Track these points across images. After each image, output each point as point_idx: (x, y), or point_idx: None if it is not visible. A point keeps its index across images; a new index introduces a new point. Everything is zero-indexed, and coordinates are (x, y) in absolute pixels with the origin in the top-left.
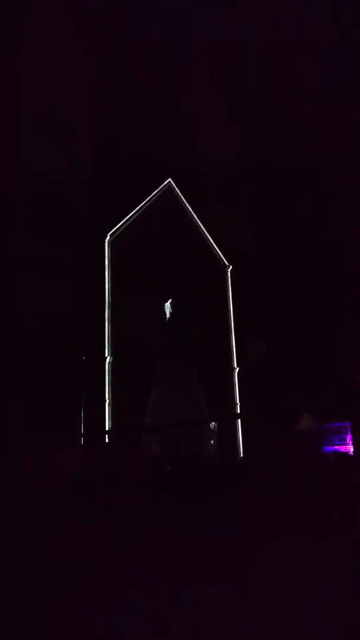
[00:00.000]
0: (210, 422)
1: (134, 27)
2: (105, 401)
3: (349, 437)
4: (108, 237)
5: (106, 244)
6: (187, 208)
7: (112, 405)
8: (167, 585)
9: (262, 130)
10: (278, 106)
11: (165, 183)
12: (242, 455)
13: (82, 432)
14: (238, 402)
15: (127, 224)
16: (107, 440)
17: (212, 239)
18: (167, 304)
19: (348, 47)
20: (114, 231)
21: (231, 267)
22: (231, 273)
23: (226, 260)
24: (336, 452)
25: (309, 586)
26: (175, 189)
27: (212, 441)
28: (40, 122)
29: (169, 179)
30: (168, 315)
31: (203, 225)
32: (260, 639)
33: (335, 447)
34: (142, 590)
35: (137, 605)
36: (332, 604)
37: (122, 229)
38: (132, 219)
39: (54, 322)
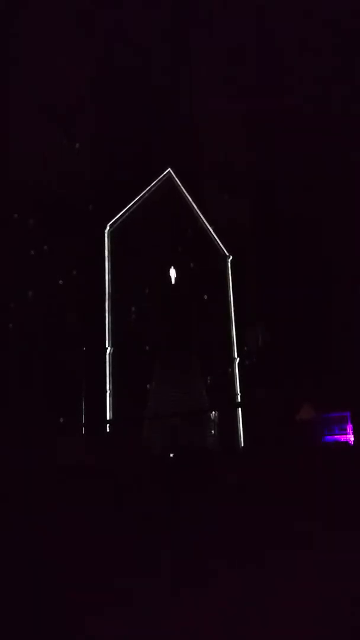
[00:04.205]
0: (211, 412)
1: (135, 16)
2: (106, 391)
3: (349, 427)
4: (108, 228)
5: (106, 235)
6: (187, 198)
7: (113, 395)
8: (168, 581)
9: (264, 120)
10: (280, 95)
11: (165, 173)
12: (242, 445)
13: (83, 422)
14: (238, 391)
15: (126, 214)
16: (108, 430)
17: (212, 229)
18: (172, 271)
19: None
20: (114, 222)
21: (231, 257)
22: (231, 263)
23: (226, 250)
24: (337, 442)
25: (311, 581)
26: (175, 179)
27: (212, 431)
28: (39, 112)
29: (169, 169)
30: (173, 281)
31: (203, 215)
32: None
33: (336, 436)
34: (141, 588)
35: (136, 604)
36: (333, 600)
37: (121, 219)
38: (131, 209)
39: (54, 313)
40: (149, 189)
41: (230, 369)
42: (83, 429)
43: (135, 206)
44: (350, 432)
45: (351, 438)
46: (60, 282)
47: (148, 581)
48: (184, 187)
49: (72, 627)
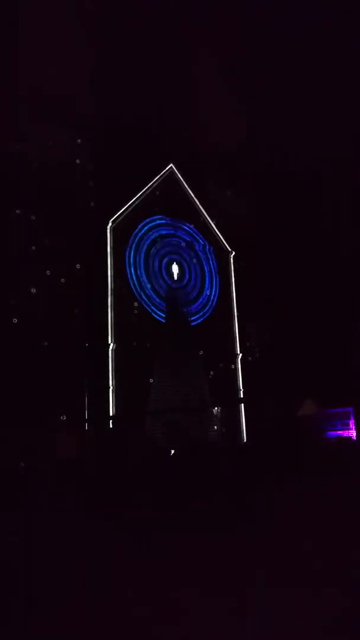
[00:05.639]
0: (214, 408)
1: (137, 7)
2: (109, 387)
3: (351, 422)
4: (110, 224)
5: (108, 231)
6: (190, 194)
7: (115, 391)
8: (167, 578)
9: (265, 119)
10: (282, 91)
11: (167, 169)
12: (245, 440)
13: (87, 417)
14: (241, 387)
15: (128, 210)
16: (110, 426)
17: (215, 225)
18: (174, 266)
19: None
20: (116, 217)
21: (234, 253)
22: (234, 259)
23: (228, 246)
24: (339, 437)
25: (311, 574)
26: (177, 175)
27: (215, 426)
28: (40, 110)
29: (171, 165)
30: (175, 275)
31: (205, 212)
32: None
33: (339, 432)
34: (141, 585)
35: (135, 603)
36: (333, 593)
37: (123, 215)
38: (133, 205)
39: (57, 310)
40: (151, 185)
41: (232, 365)
42: (86, 424)
43: (137, 202)
44: (353, 427)
45: (354, 433)
46: (62, 280)
47: (147, 578)
48: (186, 183)
49: (71, 624)
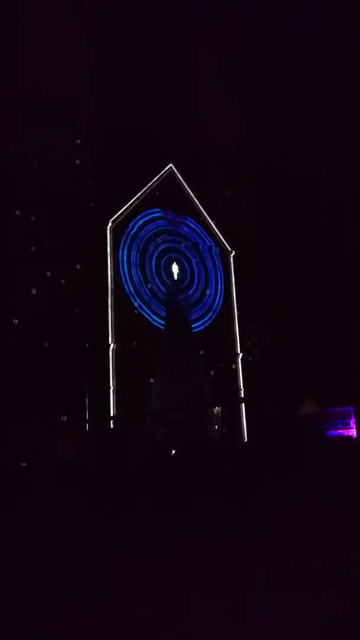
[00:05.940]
0: (214, 408)
1: (137, 7)
2: (109, 387)
3: (352, 422)
4: (110, 224)
5: (108, 231)
6: (190, 194)
7: (116, 391)
8: (167, 578)
9: (265, 119)
10: (282, 91)
11: (167, 169)
12: (245, 440)
13: (87, 417)
14: (241, 387)
15: (128, 210)
16: (111, 426)
17: (215, 225)
18: (174, 266)
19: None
20: (116, 218)
21: (234, 253)
22: (234, 259)
23: (228, 246)
24: (340, 436)
25: (311, 574)
26: (177, 175)
27: (215, 426)
28: (40, 110)
29: (171, 165)
30: (176, 276)
31: (205, 212)
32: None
33: (340, 431)
34: (141, 585)
35: (135, 604)
36: (333, 593)
37: (123, 215)
38: (133, 205)
39: (57, 310)
40: (151, 185)
41: (233, 365)
42: (87, 424)
43: (137, 202)
44: (354, 426)
45: (354, 432)
46: (63, 280)
47: (148, 578)
48: (186, 183)
49: (71, 624)
